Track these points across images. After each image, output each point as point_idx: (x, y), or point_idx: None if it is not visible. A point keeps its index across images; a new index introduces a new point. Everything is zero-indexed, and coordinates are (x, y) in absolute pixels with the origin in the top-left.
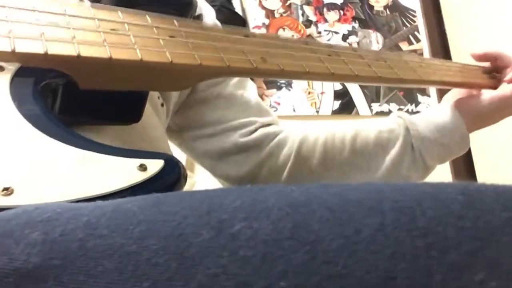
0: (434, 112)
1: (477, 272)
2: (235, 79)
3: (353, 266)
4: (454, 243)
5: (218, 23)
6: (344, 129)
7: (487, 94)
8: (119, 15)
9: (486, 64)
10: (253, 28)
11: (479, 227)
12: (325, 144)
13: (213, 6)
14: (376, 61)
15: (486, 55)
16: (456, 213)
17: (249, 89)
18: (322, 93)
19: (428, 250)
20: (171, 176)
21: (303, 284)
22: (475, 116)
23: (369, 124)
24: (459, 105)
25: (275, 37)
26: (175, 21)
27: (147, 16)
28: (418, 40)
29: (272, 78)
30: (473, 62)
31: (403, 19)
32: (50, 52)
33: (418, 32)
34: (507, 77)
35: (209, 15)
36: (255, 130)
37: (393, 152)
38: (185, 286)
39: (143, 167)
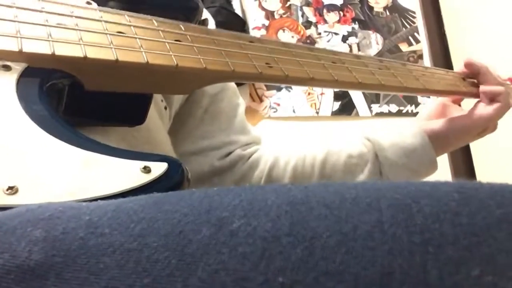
0: (404, 135)
1: (474, 268)
2: (228, 94)
3: (350, 262)
4: (450, 239)
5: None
6: (315, 152)
7: (461, 117)
8: (126, 18)
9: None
10: (253, 29)
11: (475, 223)
12: (295, 169)
13: (212, 7)
14: (380, 69)
15: (469, 64)
16: (453, 210)
17: (238, 107)
18: (322, 94)
19: (425, 246)
20: (175, 178)
21: (301, 280)
22: (444, 139)
23: (339, 144)
24: (431, 126)
25: (280, 43)
26: (181, 26)
27: (153, 20)
28: (417, 41)
29: (276, 83)
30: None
31: (403, 20)
32: (57, 53)
33: (418, 33)
34: (481, 89)
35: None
36: (232, 151)
37: (361, 177)
38: (185, 282)
39: (147, 169)
